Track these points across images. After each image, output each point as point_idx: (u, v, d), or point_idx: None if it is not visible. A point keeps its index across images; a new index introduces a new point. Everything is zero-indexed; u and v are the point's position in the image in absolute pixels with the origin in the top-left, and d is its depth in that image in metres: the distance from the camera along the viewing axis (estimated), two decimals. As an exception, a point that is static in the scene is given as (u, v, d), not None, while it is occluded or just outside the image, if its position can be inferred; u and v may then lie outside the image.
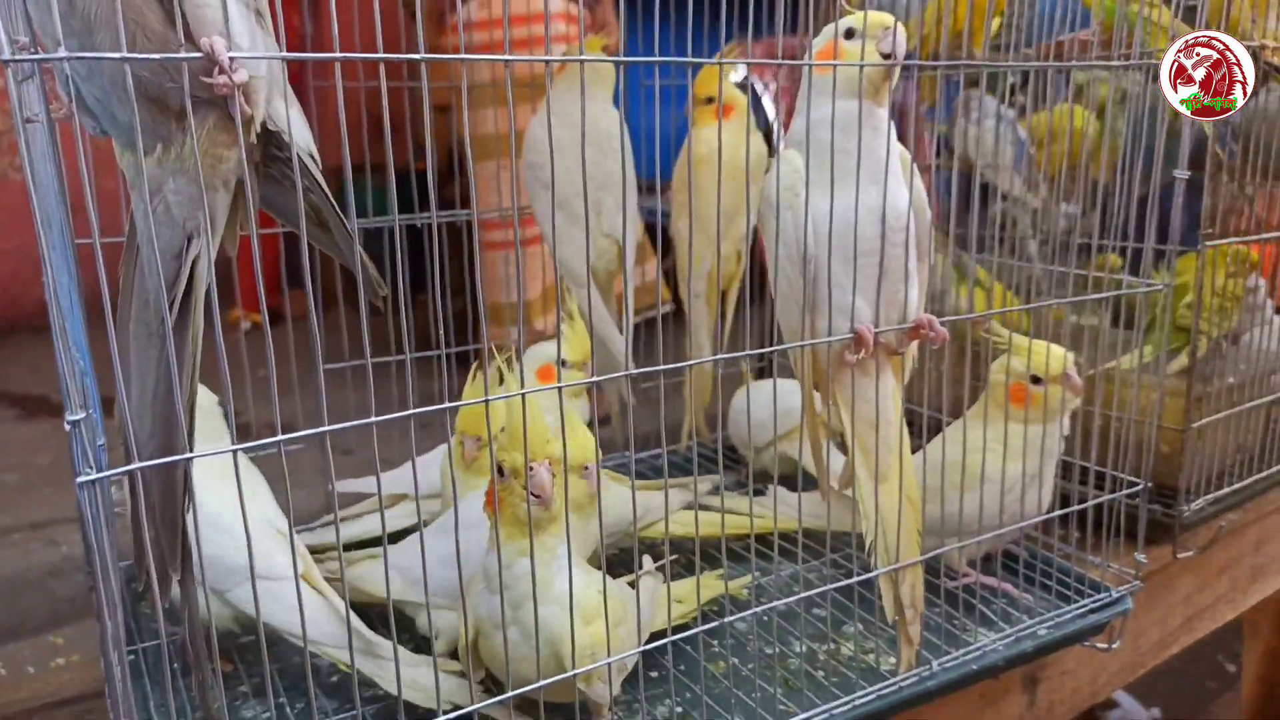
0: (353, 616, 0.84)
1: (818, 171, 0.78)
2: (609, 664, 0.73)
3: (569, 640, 0.71)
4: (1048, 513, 1.05)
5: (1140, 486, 1.04)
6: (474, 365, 1.04)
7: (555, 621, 0.72)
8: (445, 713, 0.65)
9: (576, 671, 0.71)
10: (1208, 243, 1.13)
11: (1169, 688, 2.79)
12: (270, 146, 0.60)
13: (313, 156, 0.61)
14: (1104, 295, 1.01)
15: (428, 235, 1.01)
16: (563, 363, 1.11)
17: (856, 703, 0.85)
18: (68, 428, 0.49)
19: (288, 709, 0.85)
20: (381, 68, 0.53)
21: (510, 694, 0.70)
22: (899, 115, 1.53)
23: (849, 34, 0.80)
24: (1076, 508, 1.02)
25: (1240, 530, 1.38)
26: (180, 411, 0.52)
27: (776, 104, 2.09)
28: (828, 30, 0.82)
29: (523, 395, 0.68)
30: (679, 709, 0.87)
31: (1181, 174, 0.97)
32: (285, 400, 0.61)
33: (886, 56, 0.78)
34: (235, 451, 0.53)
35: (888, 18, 0.78)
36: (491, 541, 0.73)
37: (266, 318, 0.54)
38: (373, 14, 0.60)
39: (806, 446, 0.92)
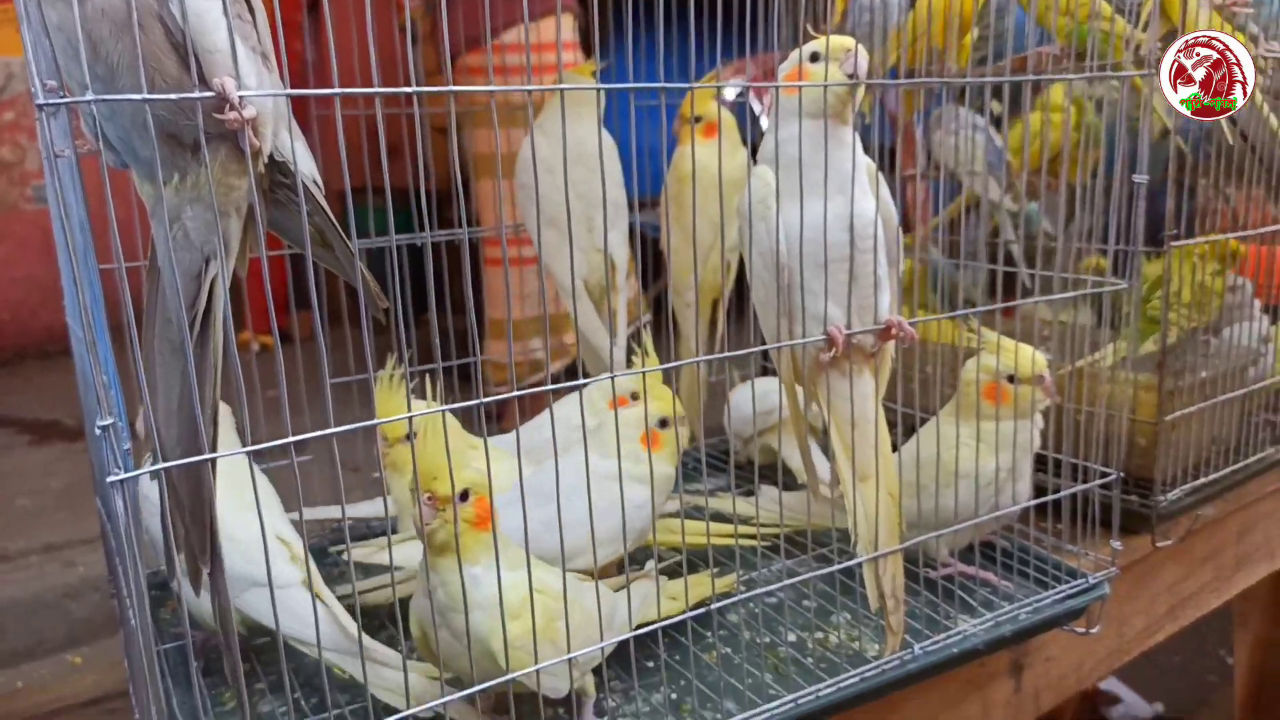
0: (345, 619, 0.89)
1: (787, 184, 0.84)
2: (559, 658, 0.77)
3: (495, 638, 0.75)
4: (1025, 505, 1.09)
5: (1113, 476, 1.09)
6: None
7: (480, 624, 0.76)
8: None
9: (512, 675, 0.75)
10: (1173, 244, 1.17)
11: (1171, 684, 2.82)
12: (277, 174, 0.66)
13: (316, 182, 0.67)
14: (1070, 295, 1.05)
15: (428, 254, 1.06)
16: (634, 396, 1.15)
17: (842, 685, 0.89)
18: (98, 432, 0.54)
19: (303, 703, 0.90)
20: (379, 101, 0.58)
21: (472, 690, 0.74)
22: (890, 122, 1.59)
23: (814, 57, 0.85)
24: (1052, 497, 1.07)
25: (1221, 520, 1.42)
26: (203, 418, 0.57)
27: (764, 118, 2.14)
28: (794, 55, 0.87)
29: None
30: (673, 695, 0.91)
31: (1140, 178, 1.02)
32: (295, 419, 0.66)
33: (850, 77, 0.84)
34: (249, 453, 0.59)
35: (849, 41, 0.83)
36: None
37: (278, 337, 0.59)
38: (372, 38, 0.64)
39: (787, 444, 0.96)
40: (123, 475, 0.54)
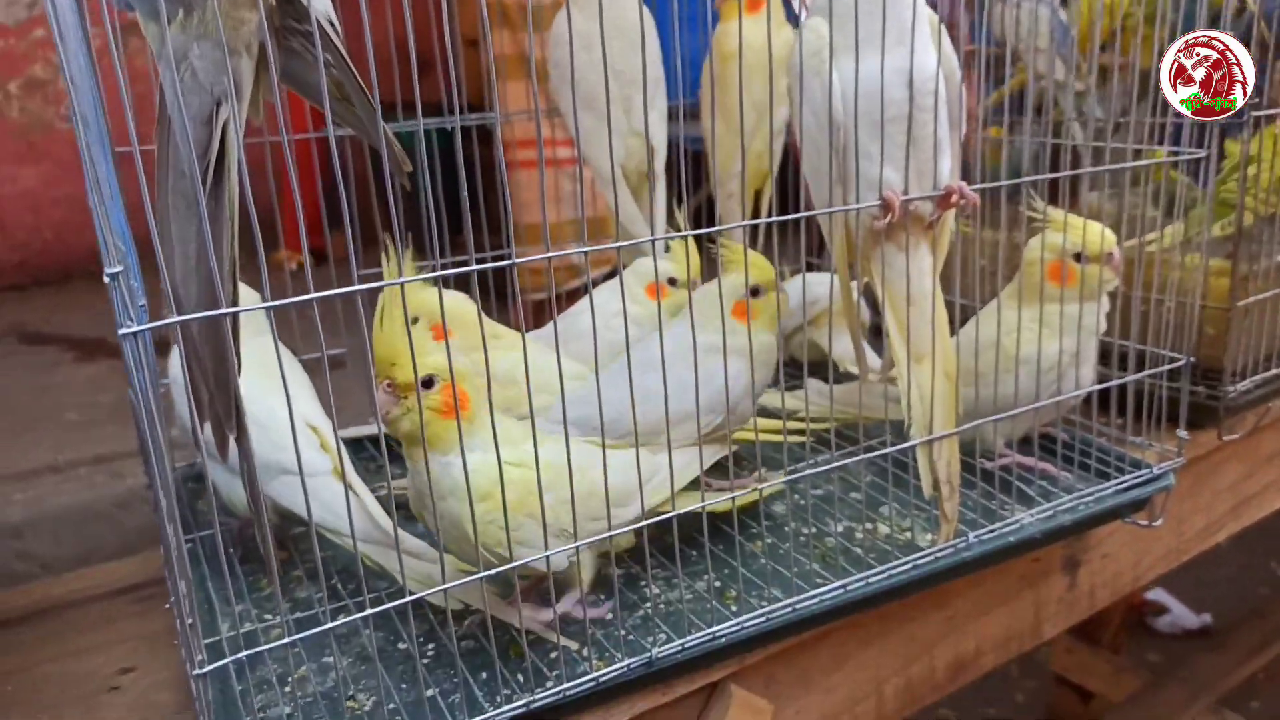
0: (376, 509, 0.87)
1: (841, 37, 0.77)
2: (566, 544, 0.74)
3: (465, 523, 0.72)
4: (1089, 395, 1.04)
5: (1183, 361, 1.02)
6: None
7: (454, 510, 0.73)
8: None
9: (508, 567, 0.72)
10: (1254, 113, 1.09)
11: (1221, 594, 2.78)
12: (289, 18, 0.61)
13: (332, 23, 0.62)
14: (1144, 164, 0.98)
15: (458, 139, 1.01)
16: (671, 281, 1.10)
17: (893, 573, 0.86)
18: (106, 280, 0.51)
19: (340, 588, 0.89)
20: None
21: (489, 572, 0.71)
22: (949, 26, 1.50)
23: (871, -107, 0.78)
24: (1117, 382, 1.01)
25: (1291, 417, 1.35)
26: (220, 274, 0.54)
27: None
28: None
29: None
30: (718, 583, 0.88)
31: (1224, 36, 0.94)
32: (330, 339, 0.63)
33: (910, -87, 0.76)
34: (270, 309, 0.55)
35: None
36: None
37: (307, 253, 0.56)
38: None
39: (835, 335, 0.92)
40: (136, 328, 0.51)
